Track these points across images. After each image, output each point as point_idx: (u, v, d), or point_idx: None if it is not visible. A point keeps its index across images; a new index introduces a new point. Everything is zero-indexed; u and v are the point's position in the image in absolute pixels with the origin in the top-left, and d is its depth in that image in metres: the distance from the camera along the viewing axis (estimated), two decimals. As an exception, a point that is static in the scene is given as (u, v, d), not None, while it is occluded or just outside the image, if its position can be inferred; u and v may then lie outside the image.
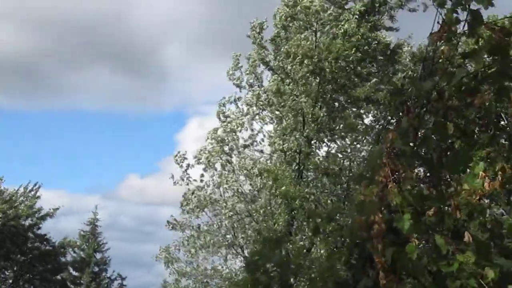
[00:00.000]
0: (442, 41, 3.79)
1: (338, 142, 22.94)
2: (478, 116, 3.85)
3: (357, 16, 21.92)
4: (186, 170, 22.49)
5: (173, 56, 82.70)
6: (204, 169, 22.35)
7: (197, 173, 22.65)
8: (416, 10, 22.66)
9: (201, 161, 22.26)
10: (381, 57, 22.76)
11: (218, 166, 22.25)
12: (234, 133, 22.10)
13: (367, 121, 23.22)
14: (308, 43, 21.35)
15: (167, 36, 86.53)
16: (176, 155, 22.50)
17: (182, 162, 22.51)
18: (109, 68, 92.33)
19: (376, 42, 22.16)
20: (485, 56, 3.86)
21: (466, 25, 3.90)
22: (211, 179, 22.25)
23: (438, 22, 3.84)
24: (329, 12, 21.75)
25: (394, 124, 3.99)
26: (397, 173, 3.69)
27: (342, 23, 21.54)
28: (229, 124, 22.28)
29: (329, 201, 21.34)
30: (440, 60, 3.85)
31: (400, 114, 3.82)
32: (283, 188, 19.79)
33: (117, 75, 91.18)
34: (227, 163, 22.05)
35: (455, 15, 3.81)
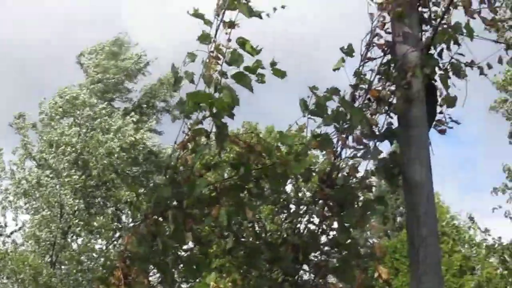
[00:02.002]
0: (186, 150, 4.07)
1: (97, 237, 23.12)
2: (215, 226, 4.13)
3: (131, 117, 22.90)
4: None
5: None
6: None
7: None
8: (179, 118, 24.09)
9: None
10: (145, 161, 23.82)
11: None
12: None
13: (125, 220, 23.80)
14: (73, 133, 21.61)
15: None
16: None
17: None
18: None
19: (142, 145, 23.23)
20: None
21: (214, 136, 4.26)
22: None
23: (183, 132, 4.13)
24: (101, 106, 22.35)
25: (133, 228, 4.11)
26: (130, 277, 3.77)
27: (114, 120, 22.23)
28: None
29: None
30: (183, 169, 4.11)
31: (141, 218, 3.96)
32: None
33: None
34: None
35: (201, 126, 4.15)
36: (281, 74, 4.56)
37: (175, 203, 4.00)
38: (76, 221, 21.37)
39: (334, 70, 5.24)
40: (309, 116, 4.57)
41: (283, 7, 4.94)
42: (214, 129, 4.12)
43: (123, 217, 23.91)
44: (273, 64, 4.55)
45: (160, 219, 3.98)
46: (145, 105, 25.28)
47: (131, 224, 22.71)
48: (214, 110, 4.05)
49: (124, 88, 25.22)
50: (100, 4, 42.46)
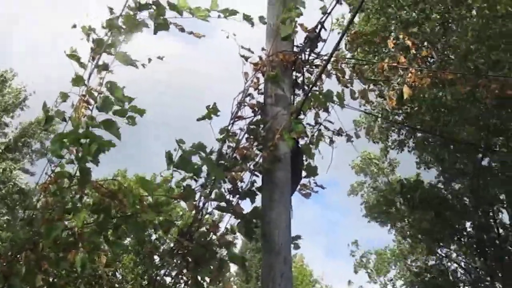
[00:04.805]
0: (47, 192, 4.48)
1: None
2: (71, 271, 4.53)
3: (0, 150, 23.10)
4: None
5: None
6: None
7: None
8: (53, 161, 24.67)
9: None
10: (16, 197, 23.93)
11: None
12: None
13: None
14: None
15: None
16: None
17: None
18: None
19: (12, 183, 23.45)
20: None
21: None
22: None
23: (46, 173, 4.56)
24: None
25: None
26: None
27: None
28: None
29: None
30: (42, 211, 4.51)
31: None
32: None
33: None
34: None
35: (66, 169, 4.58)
36: (140, 112, 5.04)
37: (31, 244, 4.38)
38: None
39: (198, 120, 5.82)
40: (174, 169, 5.11)
41: (161, 58, 5.53)
42: (78, 173, 4.57)
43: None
44: (130, 100, 5.00)
45: (16, 259, 4.32)
46: (21, 144, 25.51)
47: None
48: (80, 154, 4.51)
49: (1, 123, 25.40)
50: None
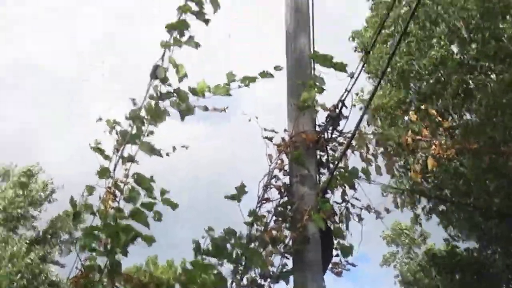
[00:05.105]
0: (78, 286, 4.51)
1: None
2: None
3: (27, 242, 23.40)
4: None
5: None
6: None
7: None
8: (84, 251, 25.16)
9: None
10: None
11: None
12: None
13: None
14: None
15: None
16: None
17: None
18: None
19: (45, 276, 23.69)
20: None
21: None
22: None
23: (76, 267, 4.59)
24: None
25: None
26: None
27: (10, 246, 22.68)
28: None
29: None
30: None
31: None
32: None
33: None
34: None
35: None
36: (173, 205, 5.10)
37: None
38: None
39: (226, 198, 5.83)
40: (204, 257, 5.13)
41: (185, 147, 5.61)
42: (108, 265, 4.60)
43: None
44: (163, 193, 5.08)
45: None
46: (49, 236, 25.79)
47: None
48: (108, 247, 4.55)
49: (29, 216, 25.76)
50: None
